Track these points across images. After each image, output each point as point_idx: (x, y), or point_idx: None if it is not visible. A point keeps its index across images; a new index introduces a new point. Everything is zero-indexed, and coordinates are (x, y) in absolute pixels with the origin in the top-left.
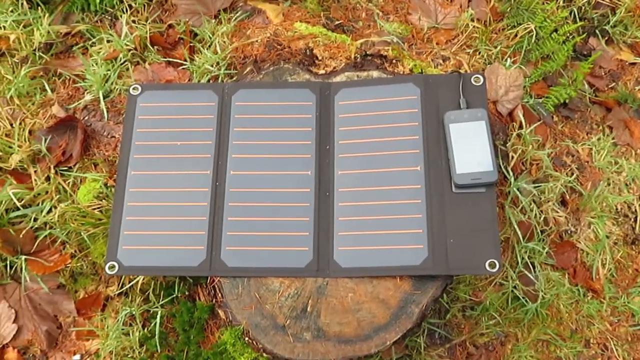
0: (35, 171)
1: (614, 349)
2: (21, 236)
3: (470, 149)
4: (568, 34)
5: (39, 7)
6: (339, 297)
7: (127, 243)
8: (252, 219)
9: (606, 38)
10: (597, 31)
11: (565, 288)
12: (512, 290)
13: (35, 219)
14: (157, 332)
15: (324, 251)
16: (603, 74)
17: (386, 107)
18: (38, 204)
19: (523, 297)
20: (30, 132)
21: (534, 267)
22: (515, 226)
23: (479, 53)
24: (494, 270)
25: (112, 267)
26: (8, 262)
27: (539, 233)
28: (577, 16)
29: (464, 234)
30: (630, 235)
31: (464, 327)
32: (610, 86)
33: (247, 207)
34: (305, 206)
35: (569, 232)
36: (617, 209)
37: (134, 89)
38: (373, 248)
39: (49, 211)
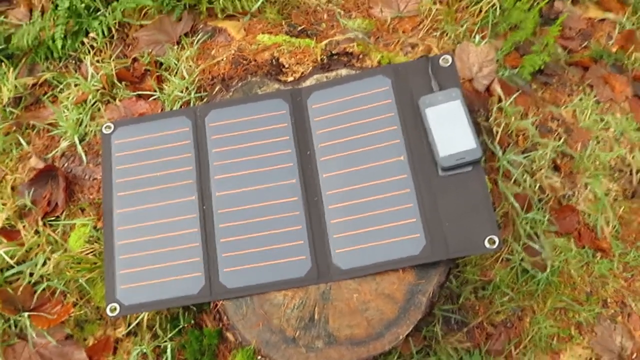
0: (23, 226)
1: (632, 305)
2: (20, 293)
3: (450, 130)
4: (532, 1)
5: (2, 63)
6: (345, 299)
7: (124, 282)
8: (245, 237)
9: None
10: None
11: (573, 252)
12: (520, 264)
13: (32, 274)
14: None
15: (322, 256)
16: (574, 34)
17: (360, 102)
18: (31, 259)
19: (532, 269)
20: (12, 188)
21: (537, 237)
22: (512, 199)
23: (447, 34)
24: (494, 246)
25: (114, 309)
26: (12, 322)
27: (537, 202)
28: None
29: (459, 216)
30: (628, 189)
31: (478, 309)
32: (583, 45)
33: (238, 225)
34: (296, 215)
35: (566, 196)
36: (611, 165)
37: (106, 127)
38: (370, 245)
39: (44, 264)
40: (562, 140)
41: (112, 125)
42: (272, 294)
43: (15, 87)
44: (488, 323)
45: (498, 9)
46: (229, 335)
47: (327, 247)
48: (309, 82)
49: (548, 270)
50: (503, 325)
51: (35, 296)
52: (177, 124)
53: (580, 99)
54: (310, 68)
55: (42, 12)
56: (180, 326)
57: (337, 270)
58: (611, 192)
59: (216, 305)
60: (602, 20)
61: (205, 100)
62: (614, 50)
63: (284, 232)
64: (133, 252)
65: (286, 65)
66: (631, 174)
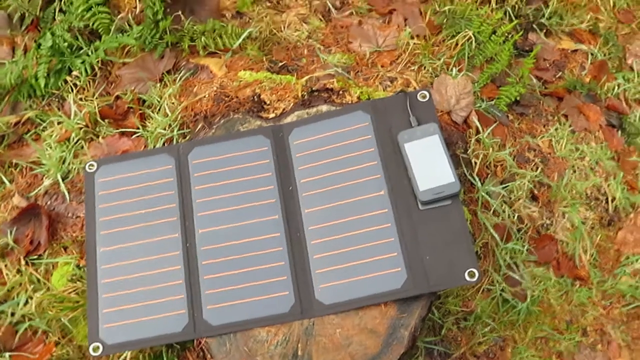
0: (5, 265)
1: (611, 332)
2: (1, 333)
3: (429, 164)
4: (506, 34)
5: None
6: (328, 335)
7: (107, 321)
8: (228, 274)
9: (544, 30)
10: (534, 26)
11: (552, 281)
12: (500, 294)
13: (13, 314)
14: None
15: (305, 292)
16: (548, 65)
17: (340, 138)
18: (13, 298)
19: (512, 299)
20: None
21: (517, 267)
22: (491, 230)
23: (424, 68)
24: (474, 279)
25: (97, 348)
26: None
27: (516, 232)
28: (512, 15)
29: (439, 249)
30: (604, 217)
31: (461, 340)
32: (557, 76)
33: (221, 262)
34: (279, 250)
35: (545, 225)
36: (587, 193)
37: (90, 166)
38: (353, 280)
39: (26, 303)
40: (539, 170)
41: (95, 164)
42: (256, 331)
43: None
44: (471, 354)
45: (474, 42)
46: None
47: (310, 282)
48: (290, 119)
49: (528, 299)
50: (485, 356)
51: (17, 336)
52: (160, 162)
53: (556, 129)
54: (292, 104)
55: (25, 50)
56: None
57: (320, 305)
58: (588, 221)
59: (200, 342)
60: (575, 51)
61: (188, 137)
62: (587, 80)
63: (267, 268)
64: (116, 290)
65: (267, 102)
66: (607, 202)
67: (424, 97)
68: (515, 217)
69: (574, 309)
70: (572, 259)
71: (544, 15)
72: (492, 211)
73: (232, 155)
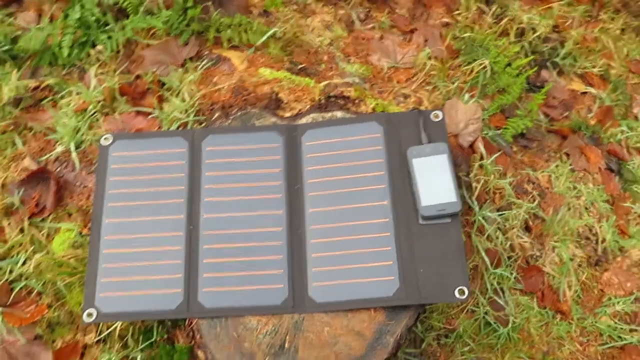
0: (8, 224)
1: None
2: None
3: (434, 181)
4: (521, 68)
5: (7, 63)
6: (316, 331)
7: (104, 290)
8: (227, 260)
9: (557, 70)
10: (548, 64)
11: (535, 311)
12: (483, 317)
13: (11, 271)
14: None
15: (299, 288)
16: (557, 103)
17: (351, 145)
18: (13, 257)
19: (495, 323)
20: (2, 185)
21: (503, 293)
22: (483, 254)
23: (438, 89)
24: (463, 297)
25: (90, 314)
26: None
27: (506, 259)
28: (528, 50)
29: (433, 264)
30: (593, 257)
31: (439, 356)
32: (564, 115)
33: (221, 248)
34: (279, 244)
35: (534, 256)
36: (578, 232)
37: (105, 139)
38: (346, 282)
39: (24, 263)
40: (535, 203)
41: (110, 137)
42: (247, 318)
43: (17, 87)
44: None
45: (489, 71)
46: (200, 354)
47: (304, 279)
48: (305, 120)
49: (509, 325)
50: None
51: (12, 294)
52: (174, 144)
53: (557, 166)
54: (308, 106)
55: (51, 19)
56: (153, 339)
57: (312, 302)
58: (576, 258)
59: (191, 322)
60: (584, 93)
61: (203, 124)
62: (592, 123)
63: (265, 260)
64: (117, 262)
65: (285, 101)
66: (597, 242)
67: (437, 117)
68: (508, 245)
69: (552, 341)
70: (557, 292)
71: (558, 55)
72: (486, 236)
73: (245, 148)
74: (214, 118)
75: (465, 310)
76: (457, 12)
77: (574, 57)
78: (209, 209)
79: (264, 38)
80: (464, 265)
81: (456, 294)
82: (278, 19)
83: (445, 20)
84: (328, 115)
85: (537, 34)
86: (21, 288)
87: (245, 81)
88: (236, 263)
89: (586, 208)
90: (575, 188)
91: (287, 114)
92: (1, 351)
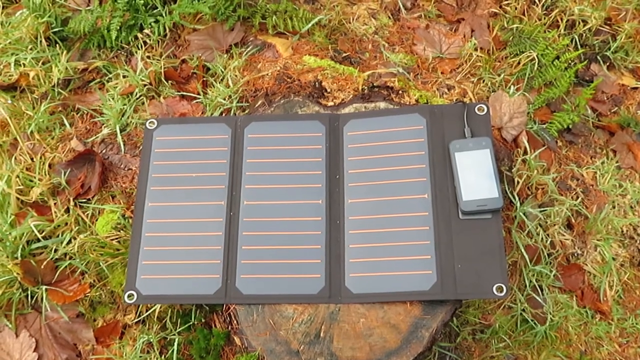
0: (55, 203)
1: None
2: (42, 267)
3: (476, 176)
4: (570, 61)
5: (57, 45)
6: (351, 322)
7: (145, 272)
8: (265, 248)
9: (607, 64)
10: (598, 57)
11: (574, 310)
12: (520, 313)
13: (56, 250)
14: (174, 359)
15: (336, 278)
16: (605, 98)
17: (393, 137)
18: (58, 236)
19: (532, 320)
20: (50, 165)
21: (541, 290)
22: (523, 250)
23: (483, 81)
24: (502, 294)
25: (131, 296)
26: (29, 292)
27: (546, 256)
28: (578, 43)
29: (472, 259)
30: (636, 257)
31: (474, 351)
32: (612, 110)
33: (260, 236)
34: (317, 234)
35: (575, 254)
36: (622, 231)
37: (150, 123)
38: (383, 274)
39: (69, 242)
40: (579, 200)
41: (155, 122)
42: (284, 306)
43: (66, 69)
44: None
45: (536, 64)
46: (236, 339)
47: (342, 269)
48: (347, 110)
49: (547, 323)
50: None
51: (56, 272)
52: (217, 130)
53: (603, 163)
54: (351, 96)
55: (101, 1)
56: (191, 323)
57: (348, 293)
58: (619, 257)
59: (228, 308)
60: (635, 88)
61: (246, 111)
62: None
63: (303, 249)
64: (158, 245)
65: (328, 90)
66: None
67: (482, 110)
68: (548, 242)
69: (590, 341)
70: (597, 292)
71: (610, 48)
72: (526, 232)
73: (287, 136)
74: (257, 105)
75: (502, 306)
76: (506, 2)
77: (626, 51)
78: (249, 195)
79: (309, 25)
80: (504, 263)
81: (494, 290)
82: (324, 6)
83: (494, 10)
84: (371, 105)
85: (588, 26)
86: (65, 267)
87: (289, 68)
88: (275, 251)
89: (631, 207)
90: (620, 186)
91: (330, 103)
92: (44, 327)
